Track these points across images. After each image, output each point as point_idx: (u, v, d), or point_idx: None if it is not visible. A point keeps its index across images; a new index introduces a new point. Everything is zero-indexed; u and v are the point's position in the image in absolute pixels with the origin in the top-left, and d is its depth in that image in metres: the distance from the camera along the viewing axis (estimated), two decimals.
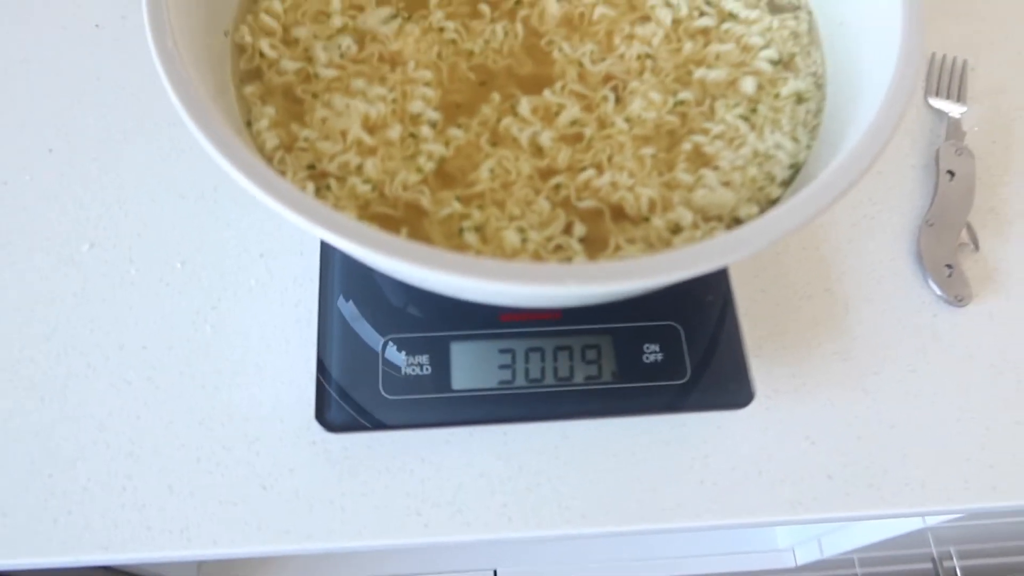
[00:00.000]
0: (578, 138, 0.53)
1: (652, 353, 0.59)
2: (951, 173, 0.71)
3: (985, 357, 0.65)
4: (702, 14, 0.59)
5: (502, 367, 0.59)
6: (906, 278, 0.68)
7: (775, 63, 0.57)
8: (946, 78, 0.77)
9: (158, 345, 0.63)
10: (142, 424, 0.60)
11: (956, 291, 0.66)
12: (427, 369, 0.58)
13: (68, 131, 0.71)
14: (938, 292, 0.66)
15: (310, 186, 0.50)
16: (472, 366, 0.59)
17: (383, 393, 0.58)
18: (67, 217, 0.67)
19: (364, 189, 0.50)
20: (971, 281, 0.67)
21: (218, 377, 0.62)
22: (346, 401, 0.58)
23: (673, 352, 0.59)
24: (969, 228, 0.69)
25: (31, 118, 0.72)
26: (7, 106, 0.73)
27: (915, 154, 0.74)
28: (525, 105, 0.53)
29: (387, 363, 0.58)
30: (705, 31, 0.58)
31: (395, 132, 0.52)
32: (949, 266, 0.67)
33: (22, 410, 0.60)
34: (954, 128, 0.74)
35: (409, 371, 0.58)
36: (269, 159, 0.51)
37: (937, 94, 0.75)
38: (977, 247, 0.69)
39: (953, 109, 0.74)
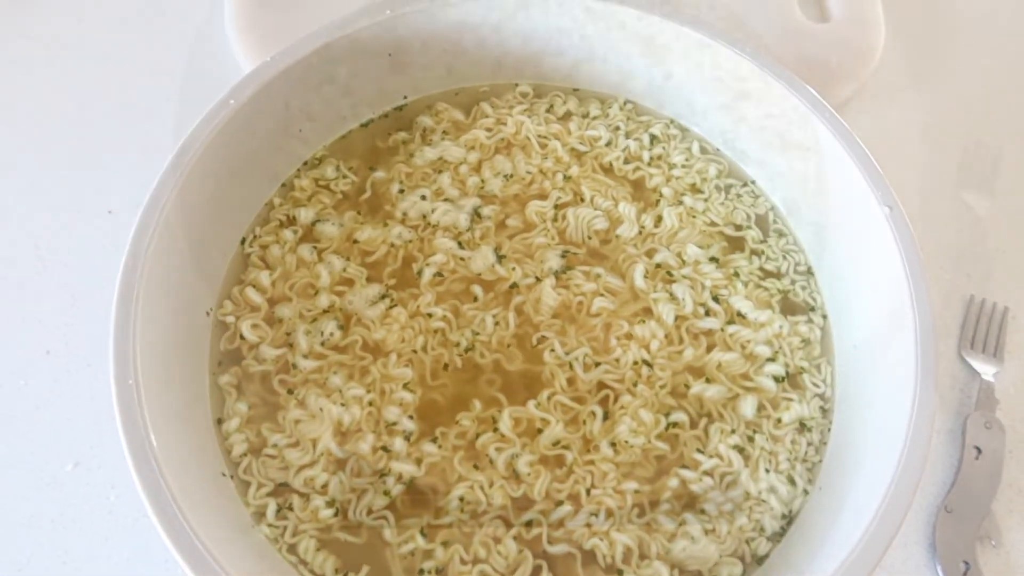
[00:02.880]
0: (559, 462, 0.50)
1: None
2: (978, 449, 0.65)
3: None
4: (708, 312, 0.55)
5: None
6: (919, 570, 0.64)
7: (780, 380, 0.53)
8: (983, 329, 0.70)
9: None
10: None
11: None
12: None
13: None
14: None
15: (271, 505, 0.49)
16: None
17: None
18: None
19: (327, 514, 0.48)
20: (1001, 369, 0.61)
21: None
22: None
23: None
24: (991, 518, 0.64)
25: None
26: None
27: (942, 415, 0.68)
28: (506, 420, 0.51)
29: None
30: (709, 334, 0.55)
31: (367, 445, 0.50)
32: (966, 563, 0.62)
33: None
34: (986, 394, 0.68)
35: None
36: (235, 465, 0.50)
37: (972, 347, 0.69)
38: (999, 542, 0.64)
39: (987, 370, 0.68)
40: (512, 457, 0.50)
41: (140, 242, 0.48)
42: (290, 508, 0.49)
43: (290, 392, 0.52)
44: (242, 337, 0.54)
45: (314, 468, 0.50)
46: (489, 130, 0.63)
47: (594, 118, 0.64)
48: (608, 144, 0.62)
